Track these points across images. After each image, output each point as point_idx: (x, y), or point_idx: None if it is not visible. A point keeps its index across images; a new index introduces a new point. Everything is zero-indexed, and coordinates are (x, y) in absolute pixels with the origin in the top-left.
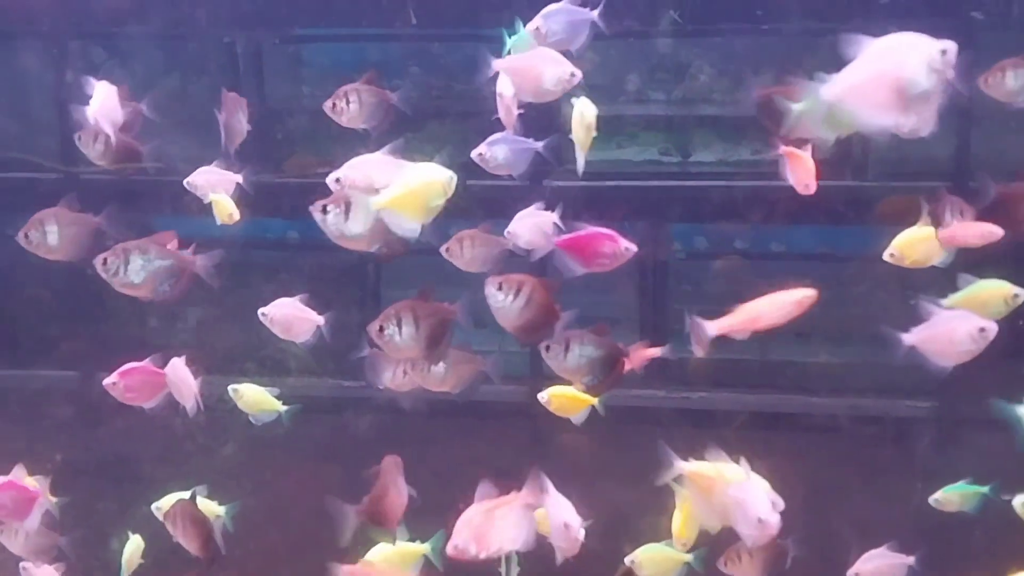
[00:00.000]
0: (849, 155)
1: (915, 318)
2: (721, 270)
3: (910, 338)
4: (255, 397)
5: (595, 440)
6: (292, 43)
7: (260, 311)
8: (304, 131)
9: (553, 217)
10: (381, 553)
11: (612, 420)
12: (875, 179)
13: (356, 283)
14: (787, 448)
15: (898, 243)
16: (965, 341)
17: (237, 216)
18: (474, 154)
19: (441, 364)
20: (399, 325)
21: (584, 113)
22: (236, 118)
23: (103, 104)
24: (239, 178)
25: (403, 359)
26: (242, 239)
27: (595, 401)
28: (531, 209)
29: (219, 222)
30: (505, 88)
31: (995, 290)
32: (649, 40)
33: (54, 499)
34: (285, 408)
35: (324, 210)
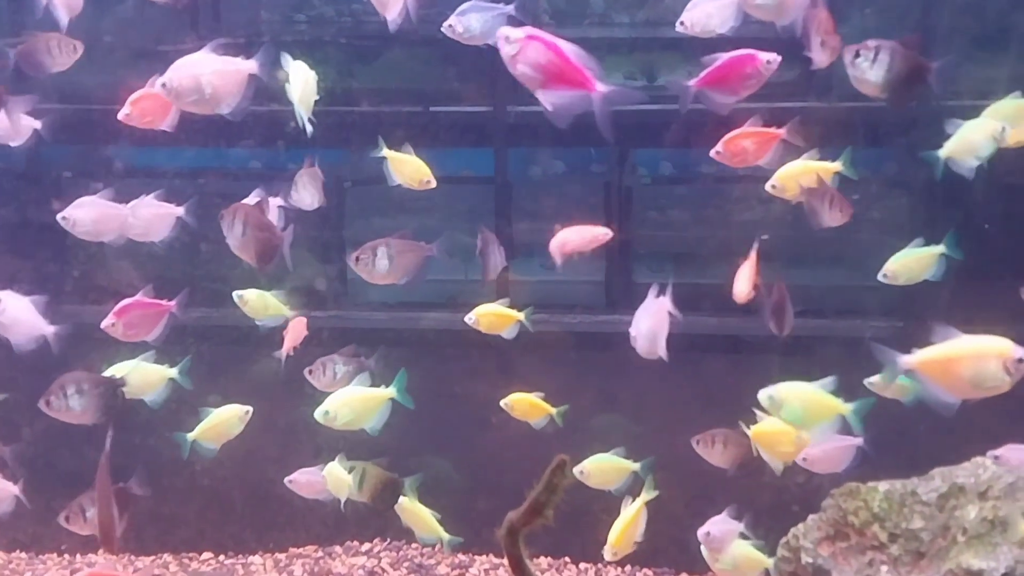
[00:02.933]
0: (814, 75)
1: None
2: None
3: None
4: (261, 302)
5: (564, 364)
6: None
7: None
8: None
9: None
10: (345, 397)
11: (580, 344)
12: (839, 100)
13: (319, 212)
14: (750, 369)
15: (780, 175)
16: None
17: (432, 182)
18: (444, 27)
19: (384, 256)
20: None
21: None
22: None
23: None
24: (37, 124)
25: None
26: (203, 169)
27: (522, 316)
28: (148, 198)
29: (394, 181)
30: None
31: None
32: None
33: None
34: (293, 314)
35: None
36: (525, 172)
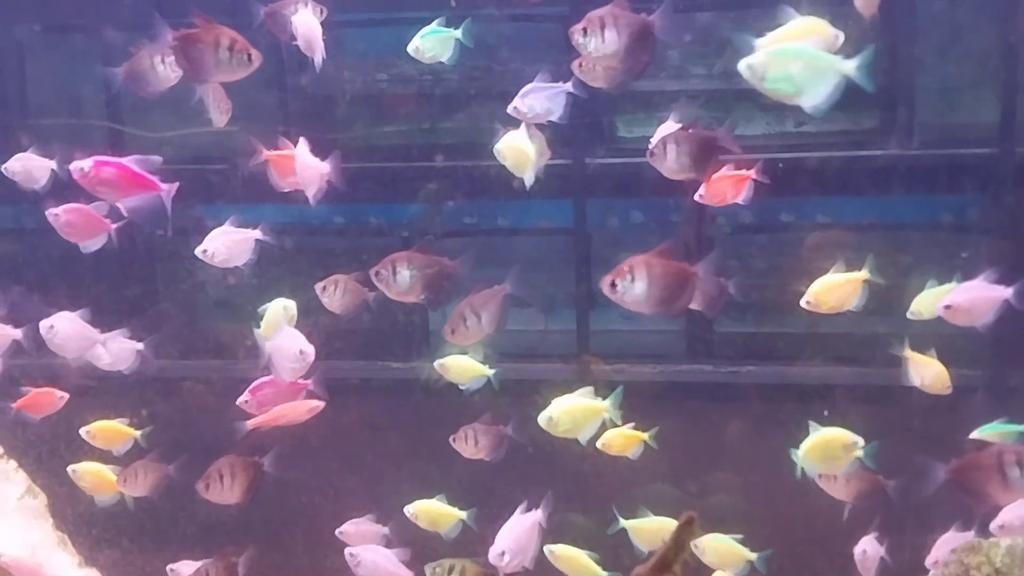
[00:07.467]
0: (894, 123)
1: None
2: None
3: None
4: (462, 366)
5: (646, 415)
6: (332, 29)
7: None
8: (346, 115)
9: (256, 233)
10: (567, 406)
11: (661, 394)
12: (921, 147)
13: None
14: (840, 420)
15: (815, 290)
16: None
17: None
18: (509, 109)
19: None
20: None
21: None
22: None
23: None
24: (54, 164)
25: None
26: (286, 226)
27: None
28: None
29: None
30: None
31: None
32: (689, 14)
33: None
34: (492, 371)
35: None
36: (603, 222)
